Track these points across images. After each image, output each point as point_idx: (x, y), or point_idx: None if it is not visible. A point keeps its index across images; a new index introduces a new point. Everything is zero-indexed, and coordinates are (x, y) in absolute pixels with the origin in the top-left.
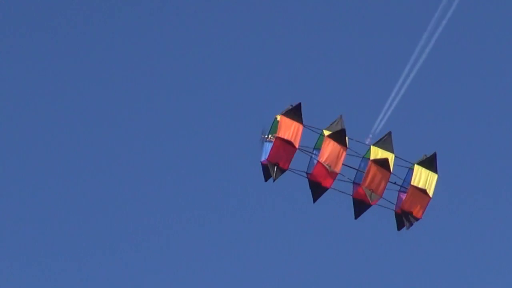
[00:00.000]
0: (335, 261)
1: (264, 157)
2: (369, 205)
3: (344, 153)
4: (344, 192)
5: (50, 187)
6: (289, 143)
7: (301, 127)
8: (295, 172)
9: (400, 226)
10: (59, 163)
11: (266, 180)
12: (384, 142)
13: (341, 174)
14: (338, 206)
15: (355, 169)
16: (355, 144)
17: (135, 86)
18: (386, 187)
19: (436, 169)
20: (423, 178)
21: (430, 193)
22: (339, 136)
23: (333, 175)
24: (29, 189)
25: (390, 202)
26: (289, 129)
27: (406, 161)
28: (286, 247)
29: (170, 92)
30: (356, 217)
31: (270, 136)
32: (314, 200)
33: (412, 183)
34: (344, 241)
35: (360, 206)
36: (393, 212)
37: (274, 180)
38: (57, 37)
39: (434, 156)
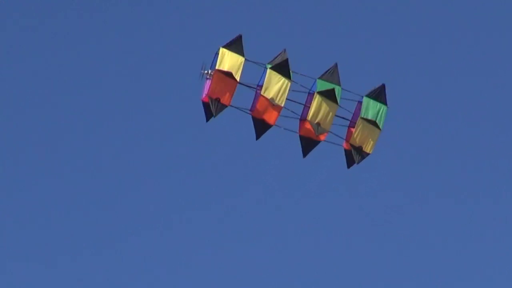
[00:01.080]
0: (282, 201)
1: (204, 94)
2: (317, 142)
3: (289, 86)
4: (290, 130)
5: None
6: (229, 75)
7: (242, 59)
8: (238, 109)
9: (350, 163)
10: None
11: (207, 120)
12: (331, 75)
13: (286, 109)
14: (285, 143)
15: (302, 104)
16: (301, 78)
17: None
18: (333, 121)
19: (385, 100)
20: (372, 111)
21: (380, 125)
22: (282, 68)
23: (277, 109)
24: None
25: (340, 137)
26: (229, 62)
27: (355, 94)
28: (230, 186)
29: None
30: (304, 155)
31: (210, 71)
32: (257, 137)
33: (360, 115)
34: (292, 180)
35: (308, 143)
36: (343, 149)
37: (215, 116)
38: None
39: (382, 88)
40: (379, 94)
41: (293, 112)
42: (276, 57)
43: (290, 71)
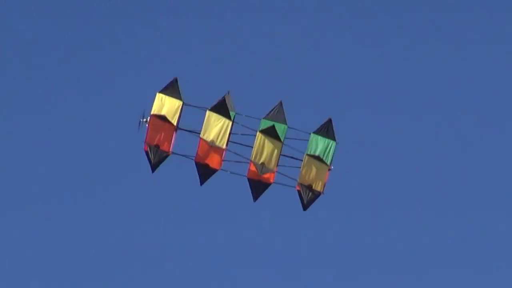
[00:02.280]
0: (234, 250)
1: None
2: (267, 185)
3: (229, 126)
4: (237, 173)
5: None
6: (164, 119)
7: (179, 103)
8: (180, 155)
9: (306, 205)
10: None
11: (153, 171)
12: (276, 113)
13: (230, 151)
14: (233, 188)
15: (250, 146)
16: (248, 120)
17: None
18: (285, 162)
19: (333, 136)
20: (320, 147)
21: (328, 161)
22: (220, 108)
23: (219, 152)
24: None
25: (292, 178)
26: (166, 107)
27: (303, 132)
28: (179, 234)
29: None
30: (255, 199)
31: (149, 119)
32: (201, 183)
33: (306, 152)
34: (244, 226)
35: (257, 186)
36: (296, 191)
37: (154, 165)
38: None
39: (329, 122)
40: (326, 130)
41: (239, 155)
42: (220, 100)
43: (232, 112)
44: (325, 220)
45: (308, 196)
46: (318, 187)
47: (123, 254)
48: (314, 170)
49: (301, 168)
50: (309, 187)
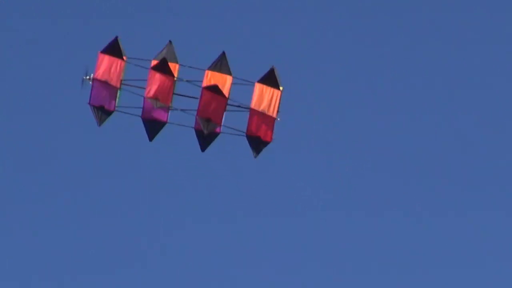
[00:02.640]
0: (234, 250)
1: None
2: (216, 134)
3: (171, 84)
4: (185, 125)
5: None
6: (106, 83)
7: (122, 63)
8: (125, 113)
9: (257, 150)
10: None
11: (100, 125)
12: (220, 65)
13: (176, 109)
14: (182, 140)
15: (194, 97)
16: (191, 72)
17: None
18: (225, 113)
19: (278, 84)
20: (266, 97)
21: (274, 113)
22: (162, 67)
23: (165, 109)
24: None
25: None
26: (108, 68)
27: (247, 81)
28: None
29: None
30: (203, 150)
31: (93, 76)
32: (151, 139)
33: (251, 106)
34: (244, 226)
35: (205, 136)
36: (245, 137)
37: (100, 125)
38: None
39: (272, 71)
40: (270, 78)
41: (183, 111)
42: (162, 50)
43: (177, 66)
44: (325, 220)
45: (257, 148)
46: (266, 137)
47: (123, 254)
48: (261, 120)
49: (248, 121)
50: (258, 138)
